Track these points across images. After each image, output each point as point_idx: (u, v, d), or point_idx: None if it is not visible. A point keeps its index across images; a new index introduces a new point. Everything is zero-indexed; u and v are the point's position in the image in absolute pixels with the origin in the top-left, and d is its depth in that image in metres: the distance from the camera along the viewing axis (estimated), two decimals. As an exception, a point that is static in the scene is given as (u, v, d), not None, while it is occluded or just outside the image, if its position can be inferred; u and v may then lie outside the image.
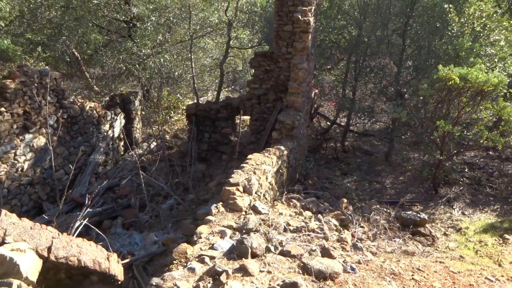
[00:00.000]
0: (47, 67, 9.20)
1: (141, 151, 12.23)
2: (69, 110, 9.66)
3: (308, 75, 9.89)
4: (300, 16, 9.09)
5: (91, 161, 10.39)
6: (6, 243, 4.02)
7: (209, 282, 4.00)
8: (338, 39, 13.68)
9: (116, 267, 5.13)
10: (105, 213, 8.93)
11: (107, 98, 12.24)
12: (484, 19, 9.51)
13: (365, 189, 10.65)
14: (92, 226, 6.85)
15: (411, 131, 11.40)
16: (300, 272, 4.51)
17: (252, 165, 6.90)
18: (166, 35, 12.18)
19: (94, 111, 10.62)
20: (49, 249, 4.31)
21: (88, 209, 8.74)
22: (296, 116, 9.19)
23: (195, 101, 13.26)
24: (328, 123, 16.30)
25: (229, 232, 5.07)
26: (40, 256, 4.16)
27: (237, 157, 11.59)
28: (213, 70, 13.73)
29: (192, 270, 4.22)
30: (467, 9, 9.60)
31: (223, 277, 4.00)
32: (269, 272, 4.38)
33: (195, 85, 12.91)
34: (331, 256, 5.04)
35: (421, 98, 11.03)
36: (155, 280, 4.07)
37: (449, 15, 9.65)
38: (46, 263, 4.25)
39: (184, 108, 16.98)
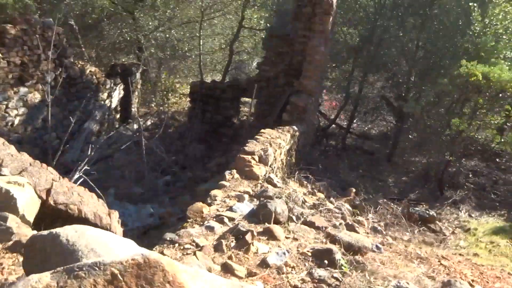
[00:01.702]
0: (50, 19, 8.59)
1: (136, 126, 11.65)
2: (69, 70, 9.06)
3: (324, 60, 9.52)
4: (323, -4, 8.73)
5: (86, 128, 9.78)
6: (2, 175, 3.48)
7: (232, 241, 3.53)
8: (349, 34, 13.39)
9: (117, 226, 4.60)
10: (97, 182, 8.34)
11: (108, 67, 11.64)
12: (508, 21, 9.31)
13: (368, 185, 10.31)
14: (91, 183, 6.28)
15: (418, 131, 11.11)
16: (329, 242, 4.07)
17: (267, 137, 6.46)
18: (176, 9, 11.63)
19: (94, 77, 10.03)
20: (48, 191, 3.76)
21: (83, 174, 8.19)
22: (309, 100, 8.80)
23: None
24: (326, 122, 16.01)
25: (246, 197, 4.61)
26: (38, 197, 3.63)
27: (238, 140, 11.16)
28: (222, 50, 13.21)
29: (210, 228, 3.75)
30: (491, 10, 9.38)
31: (248, 237, 3.53)
32: (295, 239, 3.93)
33: (201, 63, 12.42)
34: (356, 232, 4.62)
35: (431, 99, 10.80)
36: (169, 236, 3.58)
37: (473, 14, 9.41)
38: (43, 207, 3.71)
39: (181, 92, 16.55)
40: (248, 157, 5.56)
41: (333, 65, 15.09)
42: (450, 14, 10.45)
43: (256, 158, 5.63)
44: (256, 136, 6.42)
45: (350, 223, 4.78)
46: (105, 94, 10.64)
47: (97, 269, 1.36)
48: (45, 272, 1.47)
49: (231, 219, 3.99)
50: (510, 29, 9.56)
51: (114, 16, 14.12)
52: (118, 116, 11.45)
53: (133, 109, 11.92)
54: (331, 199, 6.62)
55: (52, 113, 8.65)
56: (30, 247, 2.16)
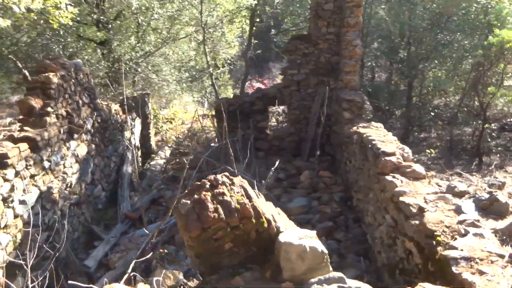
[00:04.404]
0: (79, 60, 7.55)
1: (160, 161, 10.75)
2: (101, 112, 8.07)
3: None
4: (352, -11, 8.67)
5: (125, 173, 8.79)
6: (280, 231, 2.89)
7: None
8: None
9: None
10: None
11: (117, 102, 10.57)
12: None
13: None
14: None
15: (444, 105, 11.55)
16: None
17: (379, 135, 6.25)
18: (174, 28, 10.84)
19: (118, 116, 9.06)
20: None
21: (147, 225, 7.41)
22: (361, 95, 8.71)
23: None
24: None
25: (448, 196, 4.34)
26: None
27: (273, 152, 10.73)
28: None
29: (479, 235, 3.46)
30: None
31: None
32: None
33: (213, 81, 11.76)
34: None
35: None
36: (459, 254, 3.22)
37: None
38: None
39: (166, 118, 15.69)
40: (393, 158, 5.29)
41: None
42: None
43: (400, 157, 5.37)
44: (371, 137, 6.16)
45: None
46: (128, 132, 9.66)
47: None
48: None
49: (477, 220, 3.73)
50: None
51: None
52: (139, 153, 10.47)
53: (151, 143, 10.99)
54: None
55: (96, 163, 7.70)
56: None
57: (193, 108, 19.40)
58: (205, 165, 8.43)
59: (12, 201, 5.13)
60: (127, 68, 11.25)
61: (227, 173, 2.75)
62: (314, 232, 2.89)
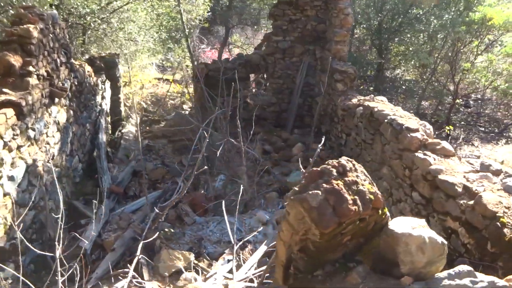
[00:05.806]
0: (54, 11, 6.44)
1: (133, 129, 9.92)
2: (77, 74, 7.10)
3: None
4: (349, -45, 8.32)
5: (101, 142, 7.95)
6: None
7: None
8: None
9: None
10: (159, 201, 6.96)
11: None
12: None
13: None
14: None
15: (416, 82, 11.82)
16: None
17: (392, 109, 6.15)
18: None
19: (91, 78, 8.08)
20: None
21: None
22: (351, 66, 8.55)
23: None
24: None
25: (485, 173, 4.35)
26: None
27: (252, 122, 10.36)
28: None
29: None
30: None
31: None
32: None
33: (188, 43, 10.84)
34: None
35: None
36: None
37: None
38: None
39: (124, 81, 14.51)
40: (418, 135, 5.22)
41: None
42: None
43: (424, 133, 5.31)
44: (384, 112, 6.03)
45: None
46: (99, 96, 8.69)
47: None
48: None
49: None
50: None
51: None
52: (109, 119, 9.54)
53: (121, 109, 10.05)
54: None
55: (74, 131, 6.86)
56: None
57: (149, 71, 18.22)
58: (193, 136, 7.85)
59: (1, 177, 4.32)
60: (91, 24, 10.00)
61: (346, 157, 2.40)
62: (423, 221, 2.67)
